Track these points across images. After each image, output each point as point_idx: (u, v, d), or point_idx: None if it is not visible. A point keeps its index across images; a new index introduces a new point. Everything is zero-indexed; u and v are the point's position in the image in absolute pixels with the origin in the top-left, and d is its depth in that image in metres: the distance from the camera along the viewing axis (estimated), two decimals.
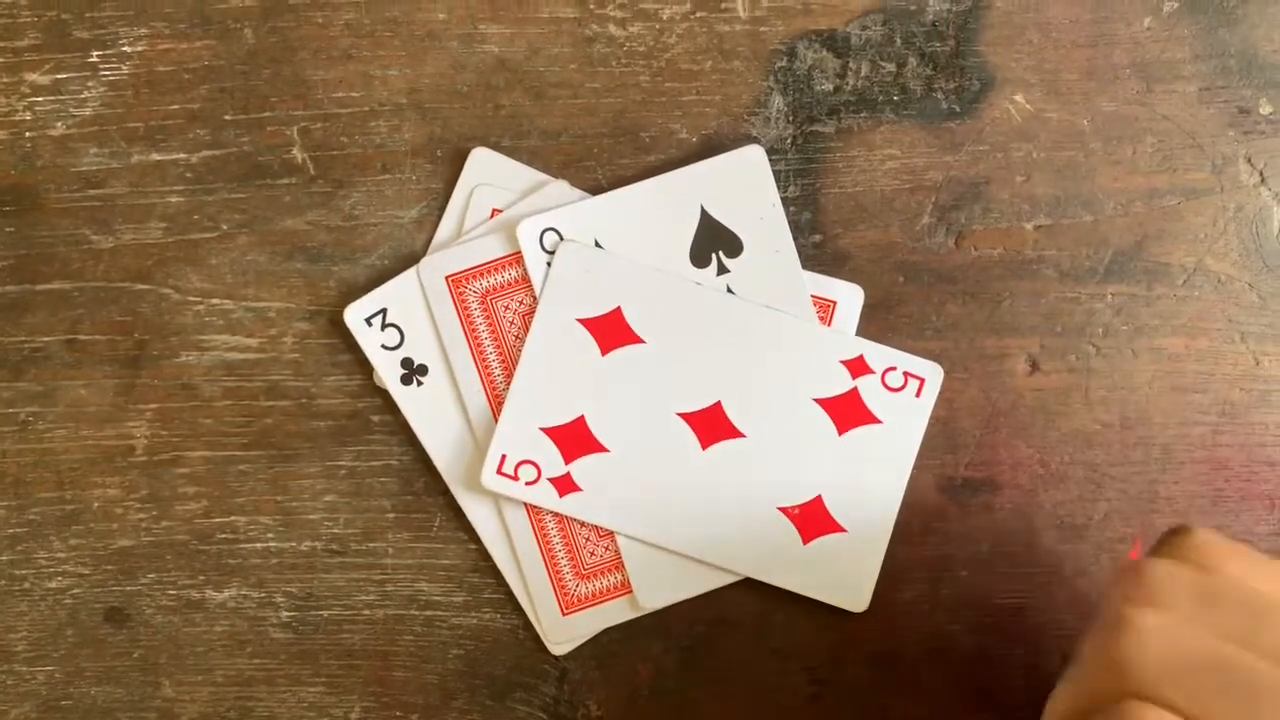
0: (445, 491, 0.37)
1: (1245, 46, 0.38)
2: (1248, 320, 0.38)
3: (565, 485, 0.37)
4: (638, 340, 0.37)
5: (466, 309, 0.37)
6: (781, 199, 0.37)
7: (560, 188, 0.37)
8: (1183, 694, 0.25)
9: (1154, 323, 0.38)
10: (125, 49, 0.38)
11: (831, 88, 0.38)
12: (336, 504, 0.38)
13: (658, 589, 0.37)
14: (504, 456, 0.37)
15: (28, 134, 0.38)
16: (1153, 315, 0.38)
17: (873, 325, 0.37)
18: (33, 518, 0.38)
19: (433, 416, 0.37)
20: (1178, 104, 0.38)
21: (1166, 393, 0.38)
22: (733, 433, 0.37)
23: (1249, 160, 0.38)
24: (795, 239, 0.37)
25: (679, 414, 0.37)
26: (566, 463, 0.37)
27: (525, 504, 0.37)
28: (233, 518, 0.38)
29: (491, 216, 0.37)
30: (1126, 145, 0.38)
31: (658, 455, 0.37)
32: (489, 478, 0.36)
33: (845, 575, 0.37)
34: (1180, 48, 0.38)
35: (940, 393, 0.37)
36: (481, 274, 0.37)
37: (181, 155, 0.38)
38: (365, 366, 0.38)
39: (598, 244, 0.37)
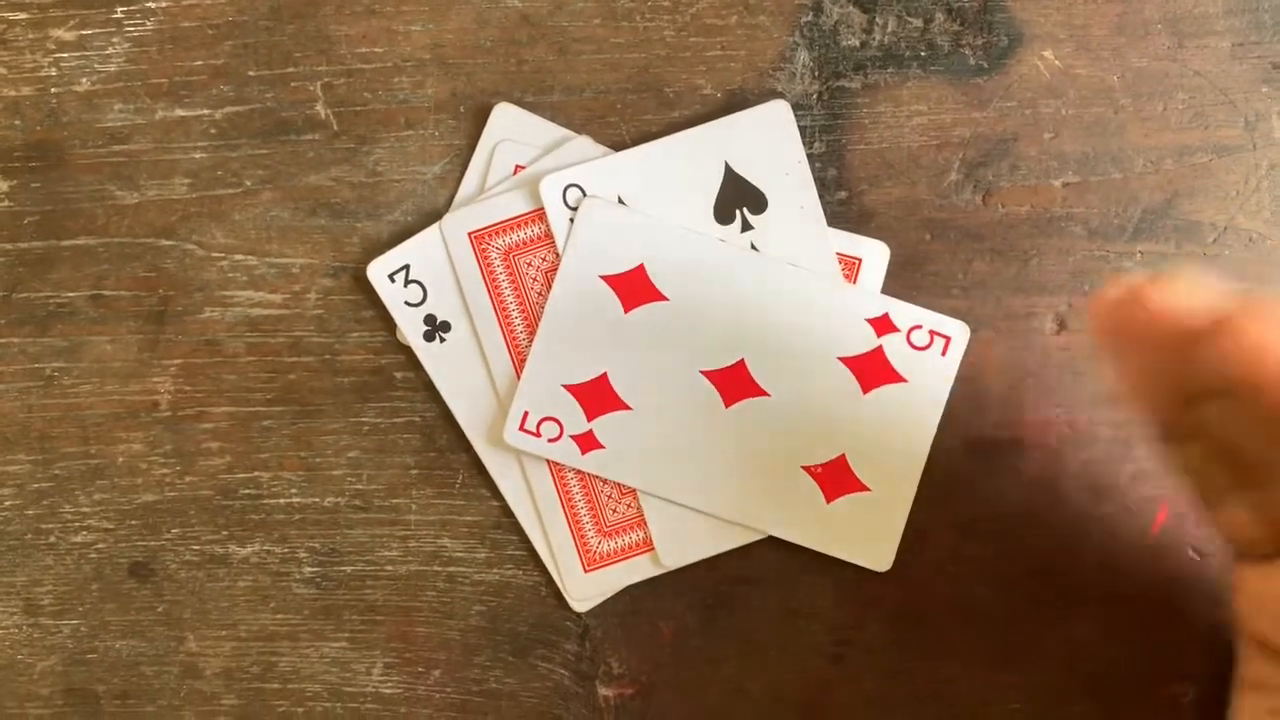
0: (468, 448, 0.37)
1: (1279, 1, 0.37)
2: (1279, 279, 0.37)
3: (587, 442, 0.37)
4: (661, 297, 0.37)
5: (489, 266, 0.37)
6: (807, 155, 0.37)
7: (583, 144, 0.37)
8: None
9: None
10: (149, 4, 0.38)
11: (858, 43, 0.37)
12: (359, 460, 0.38)
13: (680, 547, 0.37)
14: (526, 413, 0.37)
15: (53, 90, 0.38)
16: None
17: (898, 283, 0.37)
18: (58, 472, 0.38)
19: (455, 373, 0.37)
20: (1210, 59, 0.37)
21: None
22: (756, 391, 0.37)
23: None
24: (820, 196, 0.37)
25: (702, 371, 0.37)
26: (589, 420, 0.37)
27: (547, 461, 0.37)
28: (256, 473, 0.38)
29: (514, 173, 0.37)
30: (1157, 101, 0.37)
31: (680, 413, 0.37)
32: (511, 434, 0.36)
33: (869, 534, 0.37)
34: (1213, 2, 0.37)
35: (966, 352, 0.37)
36: (504, 230, 0.37)
37: (205, 111, 0.38)
38: (388, 323, 0.38)
39: (621, 200, 0.37)
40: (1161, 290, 0.26)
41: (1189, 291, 0.26)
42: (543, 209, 0.37)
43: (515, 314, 0.37)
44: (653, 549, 0.37)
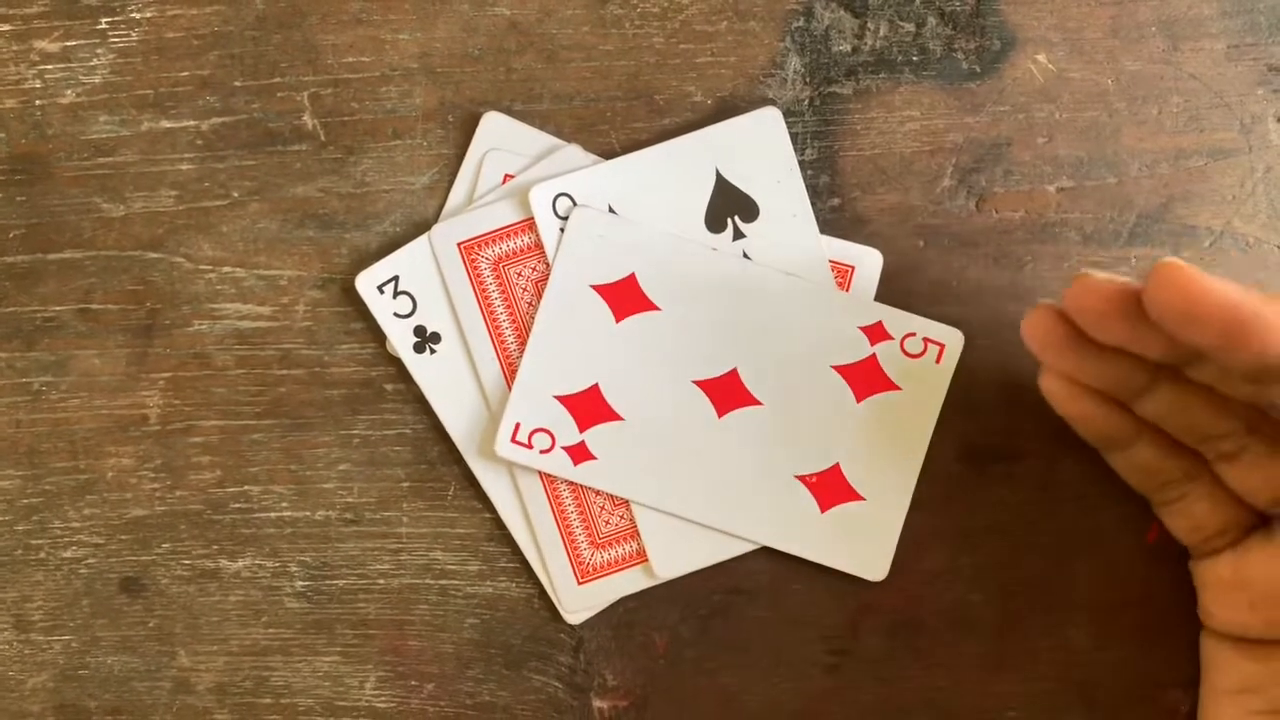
0: (460, 460, 0.37)
1: (1275, 2, 0.37)
2: (1277, 284, 0.37)
3: (580, 454, 0.36)
4: (652, 307, 0.36)
5: (479, 276, 0.37)
6: (798, 162, 0.36)
7: (573, 152, 0.37)
8: None
9: None
10: (134, 15, 0.37)
11: (849, 48, 0.37)
12: (350, 473, 0.38)
13: (673, 558, 0.37)
14: (518, 425, 0.36)
15: (38, 102, 0.38)
16: None
17: (892, 290, 0.37)
18: (47, 487, 0.38)
19: (446, 385, 0.37)
20: (1205, 62, 0.37)
21: None
22: (749, 400, 0.36)
23: (1279, 119, 0.37)
24: (813, 203, 0.37)
25: (694, 381, 0.36)
26: (581, 431, 0.36)
27: (540, 472, 0.37)
28: (246, 487, 0.38)
29: (504, 182, 0.37)
30: (1152, 105, 0.37)
31: (673, 423, 0.36)
32: (503, 446, 0.36)
33: (863, 544, 0.37)
34: (1207, 4, 0.37)
35: (960, 359, 0.37)
36: (494, 240, 0.37)
37: (192, 122, 0.37)
38: (378, 334, 0.37)
39: (611, 209, 0.36)
40: (1192, 273, 0.26)
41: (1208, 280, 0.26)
42: (532, 218, 0.36)
43: (506, 325, 0.37)
44: (646, 560, 0.37)
